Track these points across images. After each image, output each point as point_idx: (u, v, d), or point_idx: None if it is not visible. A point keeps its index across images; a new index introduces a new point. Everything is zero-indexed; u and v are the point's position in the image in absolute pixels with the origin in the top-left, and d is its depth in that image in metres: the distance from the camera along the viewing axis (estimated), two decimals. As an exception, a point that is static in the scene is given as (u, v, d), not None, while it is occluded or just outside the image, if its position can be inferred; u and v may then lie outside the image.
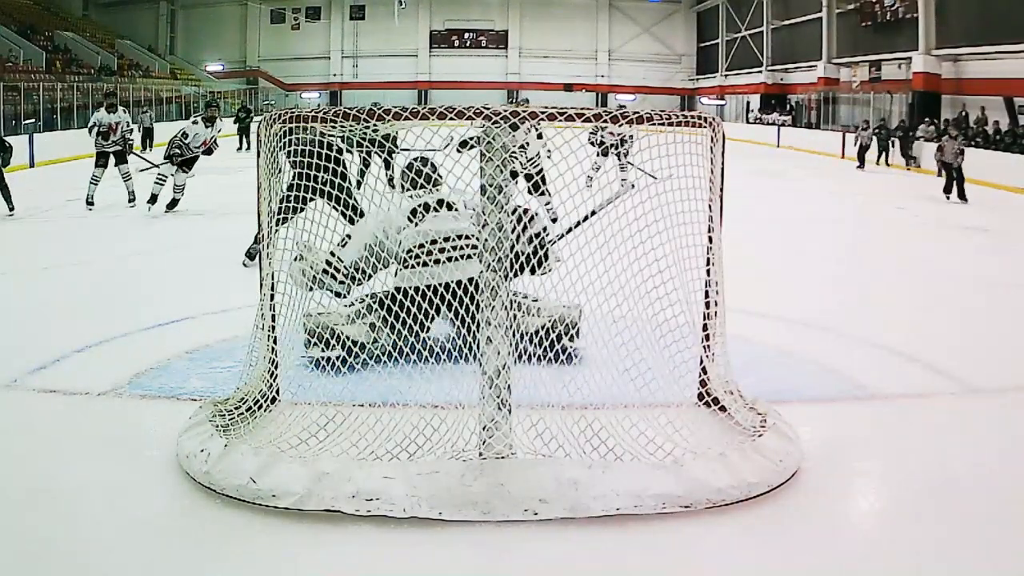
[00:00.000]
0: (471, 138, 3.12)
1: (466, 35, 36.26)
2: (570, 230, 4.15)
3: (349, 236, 3.89)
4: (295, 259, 3.65)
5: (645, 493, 2.54)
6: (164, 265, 6.59)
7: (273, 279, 3.21)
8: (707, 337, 3.22)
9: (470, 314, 2.98)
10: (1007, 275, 6.77)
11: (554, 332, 3.55)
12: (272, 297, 3.19)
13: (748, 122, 30.02)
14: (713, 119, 3.18)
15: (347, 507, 2.48)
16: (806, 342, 4.39)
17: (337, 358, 3.69)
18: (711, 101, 33.75)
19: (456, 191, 3.98)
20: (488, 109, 2.67)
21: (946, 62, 20.02)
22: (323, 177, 3.22)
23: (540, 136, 8.30)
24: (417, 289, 3.45)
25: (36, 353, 3.95)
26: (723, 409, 3.25)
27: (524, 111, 2.79)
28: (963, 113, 18.76)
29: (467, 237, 3.86)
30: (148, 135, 19.07)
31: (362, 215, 4.50)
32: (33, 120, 18.35)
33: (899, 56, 21.25)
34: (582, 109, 2.83)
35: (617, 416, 2.92)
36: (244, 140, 19.74)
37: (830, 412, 3.55)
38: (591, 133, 9.98)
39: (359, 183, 4.49)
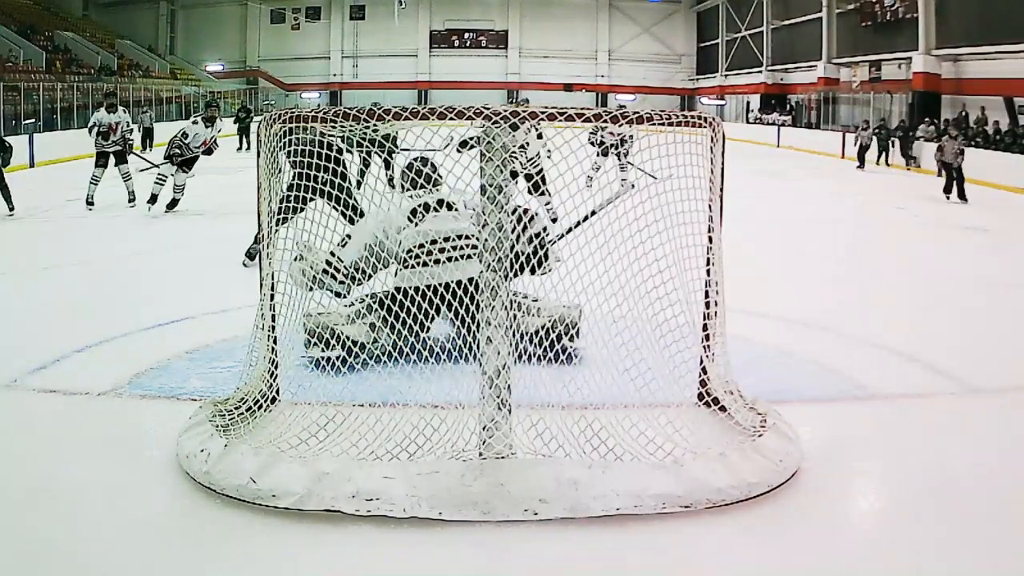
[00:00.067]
0: (471, 138, 3.12)
1: (466, 35, 36.26)
2: (570, 230, 4.15)
3: (349, 236, 3.89)
4: (295, 259, 3.65)
5: (645, 493, 2.54)
6: (164, 265, 6.58)
7: (273, 279, 3.21)
8: (707, 337, 3.22)
9: (470, 314, 2.98)
10: (1007, 275, 6.77)
11: (554, 332, 3.55)
12: (272, 297, 3.19)
13: (748, 122, 30.02)
14: (713, 119, 3.18)
15: (347, 507, 2.48)
16: (806, 342, 4.39)
17: (337, 358, 3.69)
18: (711, 101, 33.74)
19: (456, 191, 3.98)
20: (488, 109, 2.67)
21: (946, 62, 20.02)
22: (323, 177, 3.22)
23: (540, 136, 8.29)
24: (417, 289, 3.45)
25: (36, 353, 3.95)
26: (723, 409, 3.25)
27: (524, 111, 2.79)
28: (963, 113, 18.75)
29: (467, 237, 3.86)
30: (148, 135, 19.07)
31: (362, 215, 4.49)
32: (33, 120, 18.34)
33: (899, 56, 21.25)
34: (582, 109, 2.83)
35: (617, 416, 2.92)
36: (244, 140, 19.73)
37: (830, 412, 3.55)
38: (591, 133, 9.97)
39: (359, 183, 4.49)
